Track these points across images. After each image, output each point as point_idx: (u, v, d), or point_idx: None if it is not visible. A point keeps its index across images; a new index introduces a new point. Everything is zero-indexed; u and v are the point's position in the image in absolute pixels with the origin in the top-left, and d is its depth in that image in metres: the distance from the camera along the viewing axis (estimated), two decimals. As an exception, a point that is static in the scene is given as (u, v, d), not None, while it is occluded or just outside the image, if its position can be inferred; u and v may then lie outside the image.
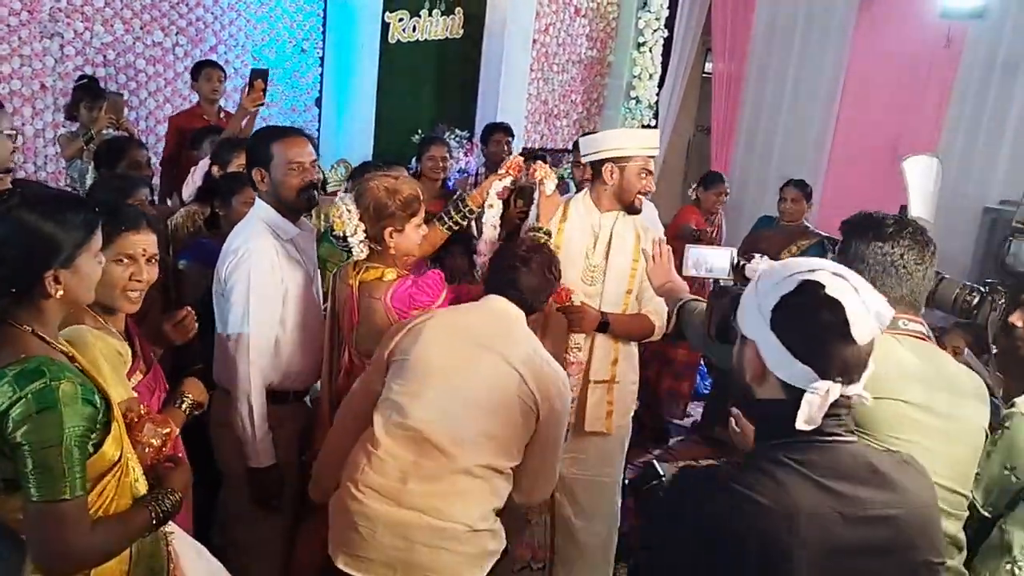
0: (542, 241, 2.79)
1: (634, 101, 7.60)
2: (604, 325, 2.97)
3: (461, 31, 6.83)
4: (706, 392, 5.63)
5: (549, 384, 2.30)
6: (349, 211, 2.48)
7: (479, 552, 2.26)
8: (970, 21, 6.64)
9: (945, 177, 7.01)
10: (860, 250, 1.90)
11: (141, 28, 5.46)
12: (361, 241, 2.50)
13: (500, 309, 2.39)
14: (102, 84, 5.01)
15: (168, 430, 1.86)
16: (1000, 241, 6.35)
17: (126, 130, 4.25)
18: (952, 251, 6.09)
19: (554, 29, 7.46)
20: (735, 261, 1.53)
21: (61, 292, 1.60)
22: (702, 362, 5.55)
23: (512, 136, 5.68)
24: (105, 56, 5.34)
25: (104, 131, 4.10)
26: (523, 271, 2.40)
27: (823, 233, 4.79)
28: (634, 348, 3.17)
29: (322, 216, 3.69)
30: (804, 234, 4.73)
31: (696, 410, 5.52)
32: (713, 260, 1.77)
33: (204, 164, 3.79)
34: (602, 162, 3.00)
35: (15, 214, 1.56)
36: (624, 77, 7.64)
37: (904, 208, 2.21)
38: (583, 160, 3.27)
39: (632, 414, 3.26)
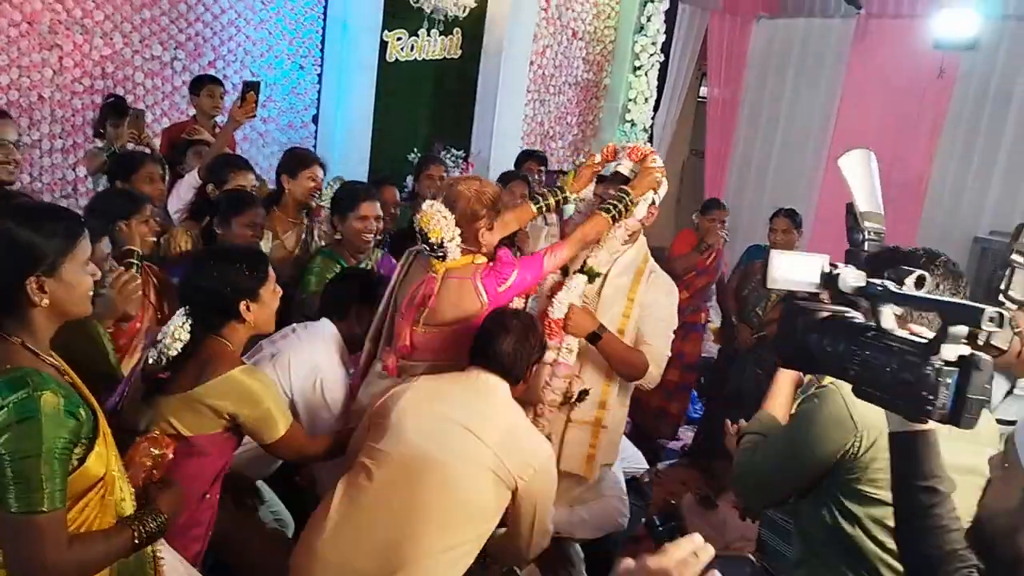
0: (590, 278, 2.82)
1: (629, 124, 7.65)
2: (595, 336, 2.75)
3: (459, 51, 6.86)
4: (697, 416, 5.63)
5: (528, 460, 2.27)
6: (445, 218, 2.48)
7: None
8: (963, 52, 6.73)
9: (936, 207, 7.12)
10: None
11: (140, 42, 5.47)
12: (458, 246, 2.52)
13: (481, 383, 2.37)
14: (99, 98, 5.02)
15: (162, 451, 1.85)
16: (991, 271, 6.40)
17: (147, 145, 4.25)
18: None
19: (551, 51, 7.51)
20: (826, 271, 1.40)
21: (46, 301, 1.59)
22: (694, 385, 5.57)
23: (545, 164, 5.70)
24: (103, 69, 5.35)
25: (127, 146, 4.12)
26: (501, 337, 2.38)
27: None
28: (628, 391, 2.98)
29: (318, 232, 3.69)
30: None
31: (687, 433, 5.52)
32: (799, 269, 1.50)
33: (191, 179, 3.78)
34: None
35: None
36: (620, 100, 7.70)
37: (851, 205, 2.01)
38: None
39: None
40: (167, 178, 4.20)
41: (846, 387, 1.49)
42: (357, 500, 2.22)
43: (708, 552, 1.08)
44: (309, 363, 2.74)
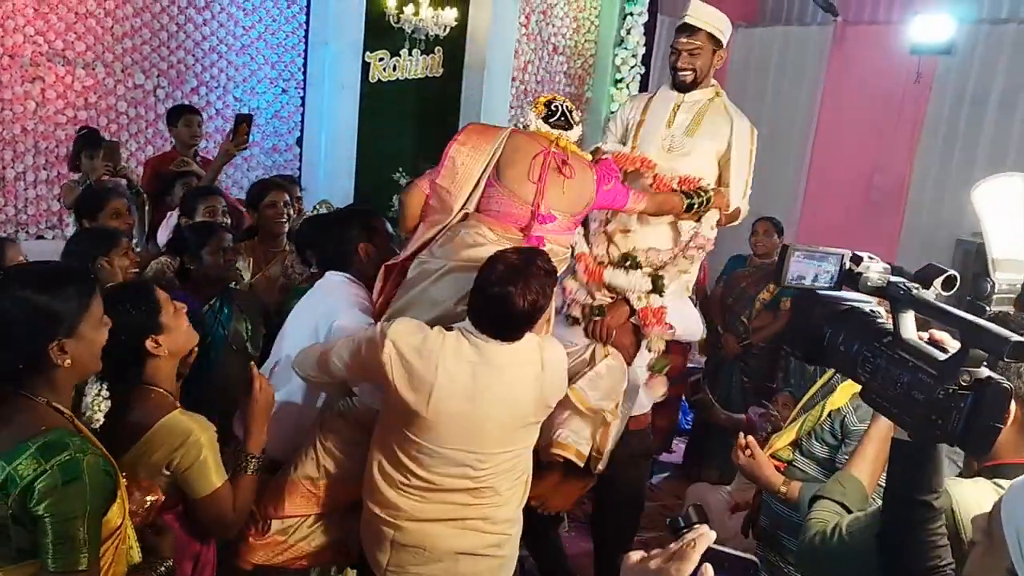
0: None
1: (613, 136, 7.71)
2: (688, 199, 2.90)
3: (441, 70, 6.91)
4: (688, 427, 5.64)
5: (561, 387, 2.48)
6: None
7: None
8: (939, 57, 6.82)
9: (918, 210, 7.19)
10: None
11: (122, 71, 5.50)
12: (578, 138, 2.72)
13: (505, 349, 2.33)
14: (83, 128, 5.03)
15: (155, 497, 1.87)
16: (973, 272, 6.46)
17: (124, 176, 4.24)
18: (927, 283, 6.18)
19: (533, 67, 7.55)
20: (845, 267, 1.33)
21: (68, 361, 1.63)
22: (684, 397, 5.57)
23: None
24: (86, 99, 5.37)
25: (103, 178, 4.11)
26: (514, 301, 2.22)
27: None
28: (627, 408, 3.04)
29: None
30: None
31: (681, 446, 5.51)
32: (818, 265, 1.43)
33: (176, 213, 3.80)
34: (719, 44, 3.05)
35: (11, 293, 1.61)
36: (603, 113, 7.74)
37: (982, 252, 1.70)
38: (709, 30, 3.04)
39: None
40: (148, 207, 4.22)
41: (958, 489, 1.45)
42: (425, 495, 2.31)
43: (709, 537, 1.02)
44: (325, 317, 2.63)
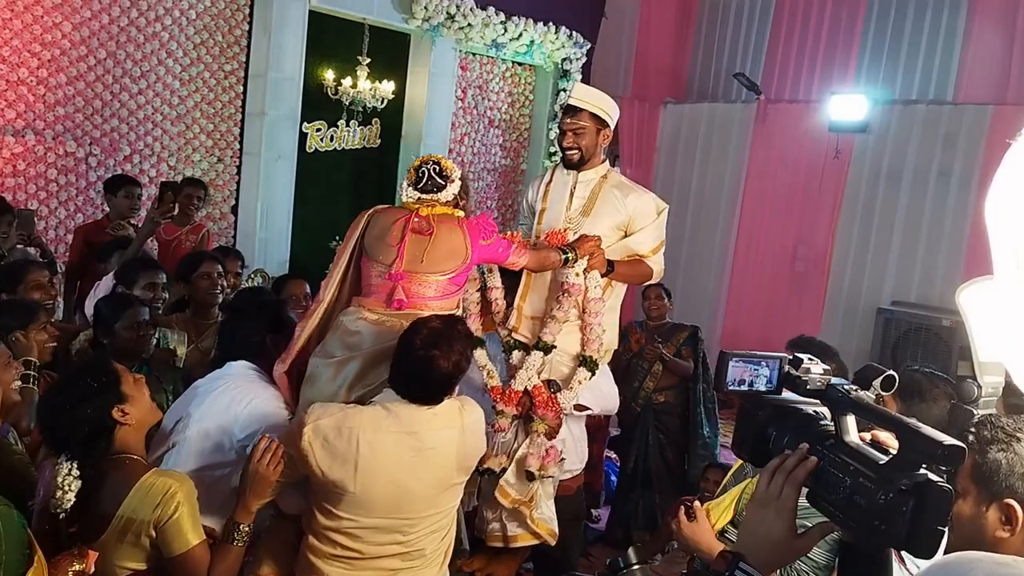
0: (546, 351, 2.99)
1: (547, 207, 7.86)
2: (610, 267, 3.03)
3: (378, 140, 7.00)
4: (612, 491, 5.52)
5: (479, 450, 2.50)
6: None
7: None
8: (855, 135, 7.19)
9: (840, 281, 7.47)
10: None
11: (53, 139, 5.43)
12: (455, 194, 2.72)
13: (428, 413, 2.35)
14: (10, 195, 4.93)
15: (83, 567, 1.82)
16: (894, 339, 6.72)
17: (38, 245, 4.15)
18: (850, 351, 6.39)
19: (469, 139, 7.71)
20: (784, 370, 1.34)
21: None
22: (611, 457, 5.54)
23: None
24: (14, 167, 5.28)
25: (16, 247, 4.01)
26: (437, 365, 2.27)
27: (688, 324, 5.10)
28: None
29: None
30: (675, 329, 4.98)
31: (604, 512, 5.42)
32: (755, 370, 1.43)
33: (108, 281, 3.71)
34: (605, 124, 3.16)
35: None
36: (537, 184, 7.90)
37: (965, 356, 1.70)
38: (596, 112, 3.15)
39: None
40: (65, 278, 4.10)
41: None
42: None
43: None
44: (257, 418, 2.50)
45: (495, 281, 3.19)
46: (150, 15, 5.76)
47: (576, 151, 3.13)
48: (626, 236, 3.16)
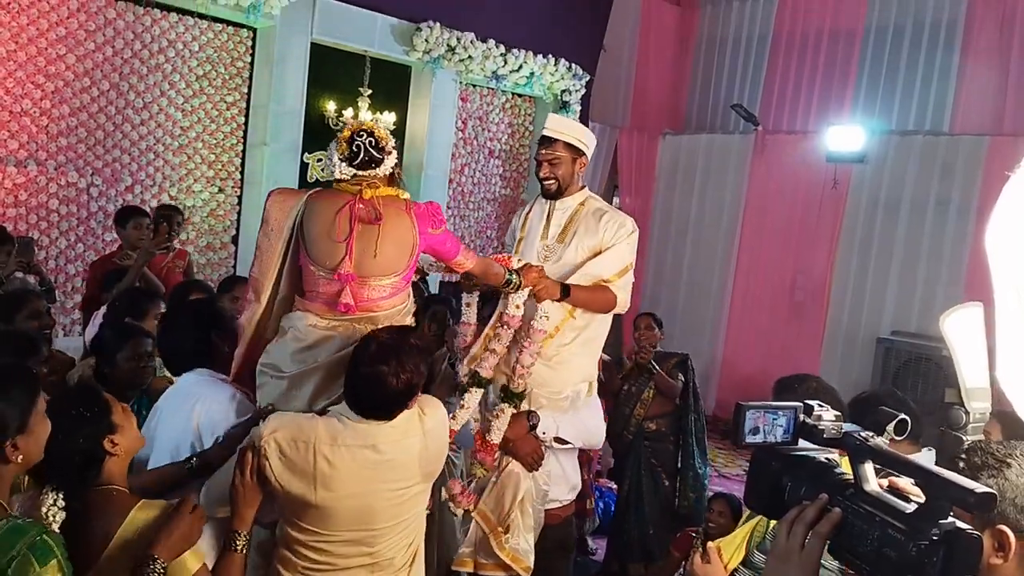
0: (481, 385, 2.94)
1: (547, 237, 7.88)
2: (565, 291, 2.92)
3: (379, 171, 7.02)
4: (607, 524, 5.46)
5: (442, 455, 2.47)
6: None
7: None
8: (853, 165, 7.23)
9: (840, 311, 7.48)
10: None
11: (55, 169, 5.46)
12: (393, 166, 2.47)
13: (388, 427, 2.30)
14: (11, 225, 4.95)
15: None
16: (895, 368, 6.70)
17: (37, 272, 4.17)
18: (850, 380, 6.38)
19: (469, 169, 7.76)
20: (799, 419, 1.34)
21: (21, 457, 1.73)
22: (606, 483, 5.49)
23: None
24: (16, 196, 5.30)
25: (15, 275, 4.02)
26: (387, 382, 2.20)
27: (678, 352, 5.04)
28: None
29: None
30: (665, 356, 4.96)
31: (601, 542, 5.36)
32: (772, 420, 1.39)
33: (104, 310, 3.72)
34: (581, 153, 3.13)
35: None
36: (537, 214, 7.93)
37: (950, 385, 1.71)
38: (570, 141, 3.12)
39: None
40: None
41: None
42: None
43: None
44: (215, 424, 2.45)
45: (470, 317, 3.11)
46: (153, 47, 5.82)
47: (553, 181, 3.10)
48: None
